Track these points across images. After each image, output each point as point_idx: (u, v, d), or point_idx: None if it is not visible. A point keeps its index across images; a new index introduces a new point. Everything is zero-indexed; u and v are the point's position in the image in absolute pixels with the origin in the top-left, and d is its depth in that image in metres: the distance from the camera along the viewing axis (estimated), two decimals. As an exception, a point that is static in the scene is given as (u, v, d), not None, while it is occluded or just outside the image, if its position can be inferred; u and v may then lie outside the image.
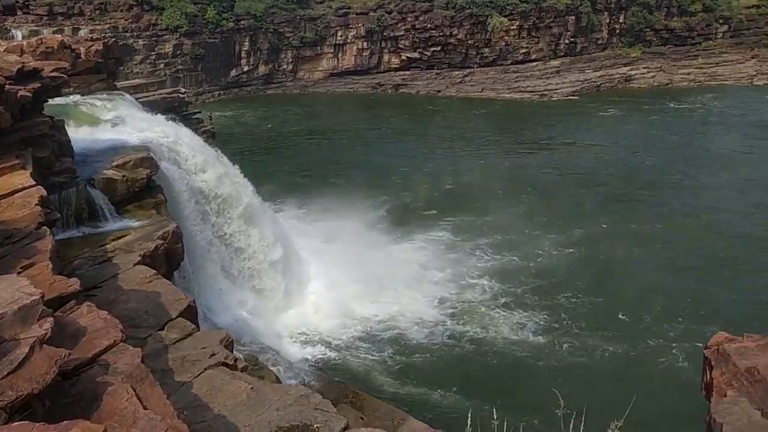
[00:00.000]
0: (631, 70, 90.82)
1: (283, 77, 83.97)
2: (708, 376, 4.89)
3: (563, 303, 28.12)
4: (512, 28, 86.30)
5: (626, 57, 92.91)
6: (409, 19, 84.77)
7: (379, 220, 36.86)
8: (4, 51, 20.13)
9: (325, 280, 28.93)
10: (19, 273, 8.94)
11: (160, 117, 27.33)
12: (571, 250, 33.50)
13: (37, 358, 5.58)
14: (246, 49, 79.35)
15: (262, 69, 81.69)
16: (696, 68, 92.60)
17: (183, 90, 53.29)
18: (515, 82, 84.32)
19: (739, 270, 31.22)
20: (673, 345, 24.34)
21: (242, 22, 77.88)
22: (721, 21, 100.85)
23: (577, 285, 29.52)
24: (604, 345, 24.72)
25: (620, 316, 26.87)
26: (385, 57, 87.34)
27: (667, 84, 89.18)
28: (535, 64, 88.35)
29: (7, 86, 13.99)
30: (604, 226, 36.93)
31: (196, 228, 22.94)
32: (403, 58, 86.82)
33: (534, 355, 24.37)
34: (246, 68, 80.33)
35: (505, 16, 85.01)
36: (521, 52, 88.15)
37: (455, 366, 23.89)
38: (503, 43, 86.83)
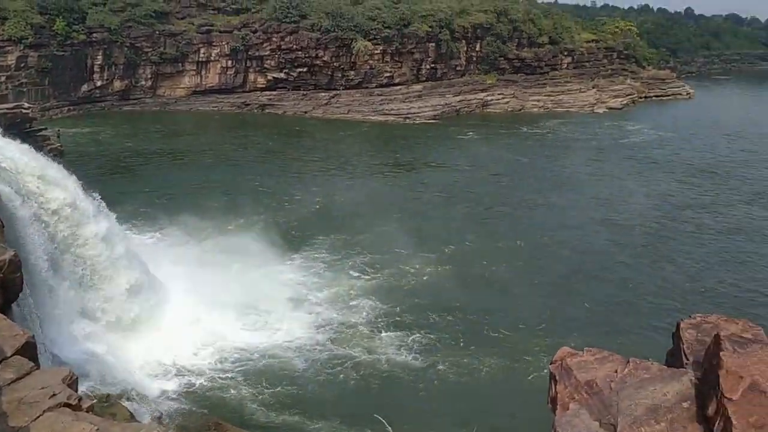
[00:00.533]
0: (488, 96, 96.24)
1: (141, 94, 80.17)
2: (553, 390, 5.14)
3: (440, 321, 28.67)
4: (376, 52, 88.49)
5: (483, 83, 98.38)
6: (274, 39, 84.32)
7: (253, 241, 36.00)
8: None
9: (193, 307, 27.49)
10: None
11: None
12: (442, 268, 34.53)
13: None
14: (99, 63, 74.99)
15: (117, 84, 77.50)
16: (545, 96, 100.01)
17: (27, 105, 49.15)
18: (380, 104, 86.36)
19: (590, 283, 33.64)
20: (543, 359, 25.13)
21: (95, 35, 73.58)
22: (565, 53, 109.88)
23: (451, 302, 30.27)
24: (480, 363, 25.34)
25: (492, 333, 27.76)
26: (251, 76, 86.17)
27: (520, 110, 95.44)
28: (398, 87, 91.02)
29: None
30: (469, 243, 38.42)
31: (39, 254, 21.04)
32: (269, 78, 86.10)
33: (417, 377, 24.45)
34: (99, 83, 75.83)
35: (369, 40, 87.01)
36: (385, 75, 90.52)
37: (338, 392, 23.40)
38: (368, 67, 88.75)
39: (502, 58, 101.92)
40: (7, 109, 43.69)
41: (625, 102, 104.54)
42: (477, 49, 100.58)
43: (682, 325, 5.94)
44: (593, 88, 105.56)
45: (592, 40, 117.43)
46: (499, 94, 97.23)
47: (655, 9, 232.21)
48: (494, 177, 55.52)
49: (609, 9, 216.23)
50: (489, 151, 66.59)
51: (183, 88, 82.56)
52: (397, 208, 44.78)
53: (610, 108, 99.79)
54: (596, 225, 42.64)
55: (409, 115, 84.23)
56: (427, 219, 42.98)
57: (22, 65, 67.55)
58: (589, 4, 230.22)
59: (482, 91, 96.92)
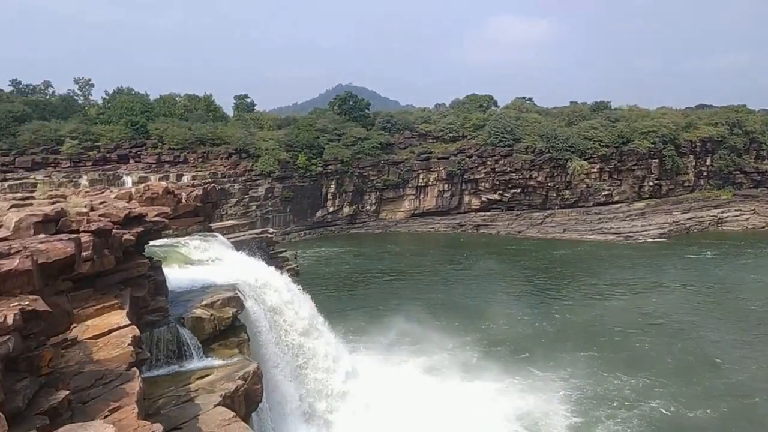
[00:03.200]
0: (723, 212, 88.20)
1: (366, 217, 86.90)
2: None
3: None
4: (593, 171, 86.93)
5: (716, 199, 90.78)
6: (489, 162, 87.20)
7: (483, 360, 36.03)
8: (116, 197, 21.84)
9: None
10: (105, 417, 8.99)
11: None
12: (708, 407, 30.36)
13: None
14: (332, 191, 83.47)
15: (346, 210, 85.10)
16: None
17: (271, 230, 55.66)
18: (598, 223, 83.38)
19: None
20: None
21: (330, 166, 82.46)
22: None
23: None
24: None
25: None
26: (466, 198, 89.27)
27: (763, 227, 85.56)
28: (618, 205, 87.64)
29: (114, 231, 14.98)
30: (738, 379, 33.76)
31: (276, 366, 22.78)
32: (483, 199, 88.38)
33: None
34: (331, 209, 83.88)
35: (585, 160, 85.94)
36: (603, 194, 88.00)
37: None
38: (584, 186, 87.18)
39: (738, 172, 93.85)
40: (256, 234, 49.77)
41: None
42: (707, 163, 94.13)
43: None
44: None
45: None
46: (736, 210, 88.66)
47: None
48: (745, 301, 49.18)
49: None
50: (737, 273, 59.66)
51: (403, 211, 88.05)
52: (630, 332, 41.59)
53: None
54: None
55: (631, 234, 79.82)
56: (687, 342, 39.43)
57: (269, 195, 77.49)
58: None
59: (716, 207, 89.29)
